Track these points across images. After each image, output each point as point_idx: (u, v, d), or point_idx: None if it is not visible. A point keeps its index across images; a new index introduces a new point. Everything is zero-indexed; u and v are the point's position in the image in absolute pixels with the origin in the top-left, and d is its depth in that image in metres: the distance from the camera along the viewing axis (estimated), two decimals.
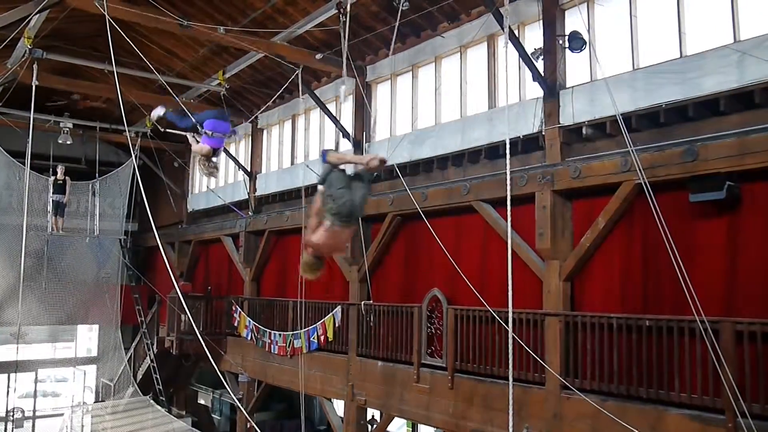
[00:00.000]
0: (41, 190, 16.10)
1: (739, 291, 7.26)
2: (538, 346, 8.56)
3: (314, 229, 5.11)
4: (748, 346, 6.55)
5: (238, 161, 17.24)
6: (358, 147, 12.91)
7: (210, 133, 8.10)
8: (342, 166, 5.27)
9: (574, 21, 9.15)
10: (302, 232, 12.58)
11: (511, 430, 6.05)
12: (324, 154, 5.35)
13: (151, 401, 17.36)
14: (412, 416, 10.96)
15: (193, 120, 8.07)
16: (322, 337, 12.44)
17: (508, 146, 6.20)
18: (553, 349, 8.38)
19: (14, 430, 15.40)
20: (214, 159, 8.16)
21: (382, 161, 5.15)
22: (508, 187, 5.98)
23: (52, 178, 15.94)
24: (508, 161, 6.10)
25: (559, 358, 8.28)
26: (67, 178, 16.18)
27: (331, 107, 13.95)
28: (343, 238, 5.21)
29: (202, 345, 7.12)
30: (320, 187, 5.15)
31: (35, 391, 17.73)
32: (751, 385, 6.51)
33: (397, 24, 9.52)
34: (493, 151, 10.23)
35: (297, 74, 12.56)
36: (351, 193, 5.04)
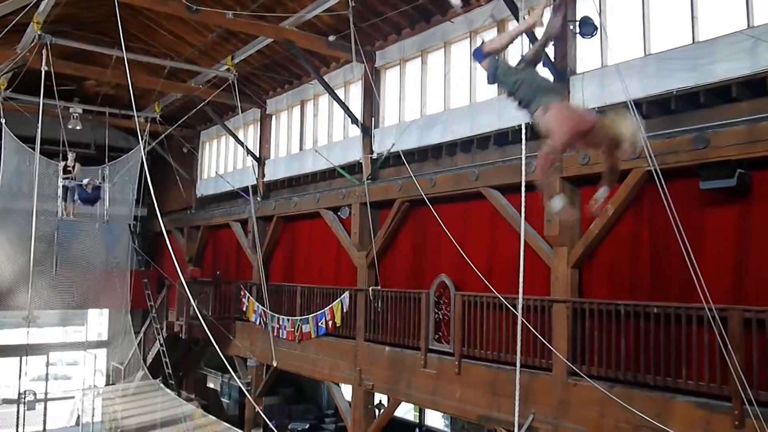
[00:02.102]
0: (51, 175, 16.16)
1: (748, 279, 7.24)
2: (545, 332, 8.58)
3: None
4: (756, 334, 6.54)
5: (246, 147, 17.26)
6: (366, 133, 12.90)
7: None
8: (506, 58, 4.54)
9: (585, 6, 9.07)
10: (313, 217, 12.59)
11: (516, 415, 6.10)
12: (478, 52, 4.49)
13: (161, 385, 17.54)
14: (419, 401, 11.04)
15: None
16: (330, 323, 12.51)
17: (524, 132, 6.17)
18: (560, 335, 8.40)
19: (26, 412, 15.59)
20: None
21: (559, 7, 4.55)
22: (523, 173, 5.96)
23: (62, 163, 15.99)
24: (524, 147, 6.08)
25: (566, 345, 8.29)
26: (77, 164, 16.23)
27: (340, 93, 13.92)
28: (567, 112, 4.20)
29: (210, 330, 7.21)
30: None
31: (47, 374, 17.90)
32: (758, 373, 6.51)
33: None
34: (502, 137, 10.20)
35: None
36: (532, 73, 4.34)
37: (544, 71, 3.95)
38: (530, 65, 4.40)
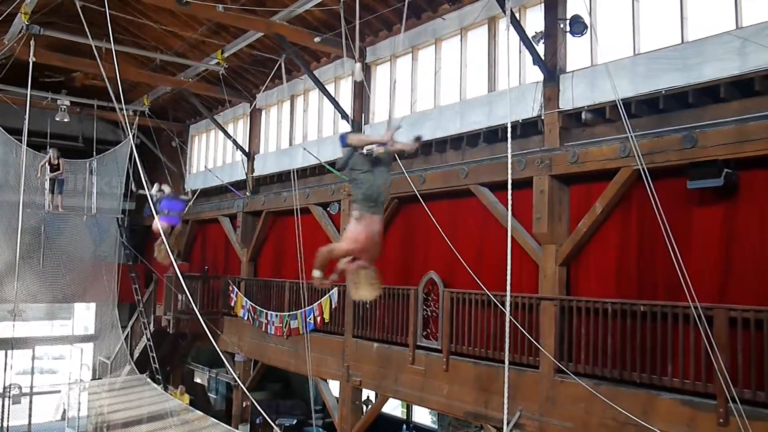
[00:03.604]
0: (38, 168, 16.04)
1: (734, 278, 7.30)
2: (533, 329, 8.61)
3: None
4: (741, 332, 6.60)
5: (236, 141, 17.18)
6: (356, 128, 12.86)
7: (166, 212, 9.35)
8: (365, 149, 4.94)
9: (575, 4, 9.08)
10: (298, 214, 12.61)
11: (506, 413, 6.11)
12: (343, 138, 4.99)
13: (148, 379, 17.45)
14: (406, 398, 11.04)
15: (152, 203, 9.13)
16: (318, 318, 12.50)
17: (509, 130, 6.19)
18: (547, 332, 8.44)
19: (11, 406, 15.49)
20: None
21: (418, 140, 5.09)
22: (509, 171, 5.98)
23: (46, 158, 15.83)
24: (509, 145, 6.10)
25: (553, 342, 8.33)
26: (60, 160, 16.07)
27: (330, 88, 13.88)
28: (377, 229, 4.83)
29: (199, 324, 7.20)
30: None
31: (32, 368, 17.81)
32: (743, 372, 6.56)
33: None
34: (492, 134, 10.21)
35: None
36: (375, 177, 4.76)
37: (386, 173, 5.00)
38: (380, 164, 4.93)
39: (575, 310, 8.20)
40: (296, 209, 12.16)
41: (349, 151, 4.89)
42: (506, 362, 5.91)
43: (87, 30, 7.82)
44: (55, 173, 15.90)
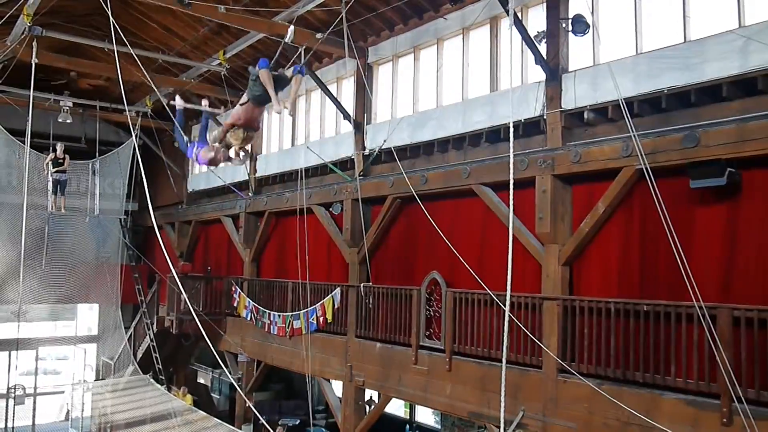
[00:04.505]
0: (41, 168, 16.08)
1: (738, 277, 7.28)
2: (536, 329, 8.61)
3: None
4: (745, 332, 6.59)
5: None
6: (358, 129, 12.87)
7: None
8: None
9: (577, 4, 9.07)
10: (301, 213, 12.63)
11: (502, 411, 6.10)
12: (263, 63, 6.94)
13: (151, 380, 17.47)
14: (409, 398, 11.05)
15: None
16: (321, 319, 12.50)
17: (512, 130, 6.18)
18: (550, 332, 8.43)
19: (15, 406, 15.51)
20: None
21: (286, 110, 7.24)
22: (511, 170, 5.97)
23: (52, 155, 15.88)
24: (512, 144, 6.09)
25: (556, 342, 8.33)
26: (66, 156, 16.13)
27: (332, 88, 13.88)
28: (252, 115, 7.28)
29: (200, 326, 7.23)
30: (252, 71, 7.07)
31: (36, 368, 17.83)
32: (746, 371, 6.55)
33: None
34: (494, 134, 10.20)
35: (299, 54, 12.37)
36: (256, 83, 7.05)
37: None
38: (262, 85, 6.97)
39: (578, 309, 8.20)
40: (310, 208, 12.12)
41: (254, 71, 7.01)
42: (504, 360, 5.90)
43: (118, 35, 8.03)
44: (59, 168, 15.92)
